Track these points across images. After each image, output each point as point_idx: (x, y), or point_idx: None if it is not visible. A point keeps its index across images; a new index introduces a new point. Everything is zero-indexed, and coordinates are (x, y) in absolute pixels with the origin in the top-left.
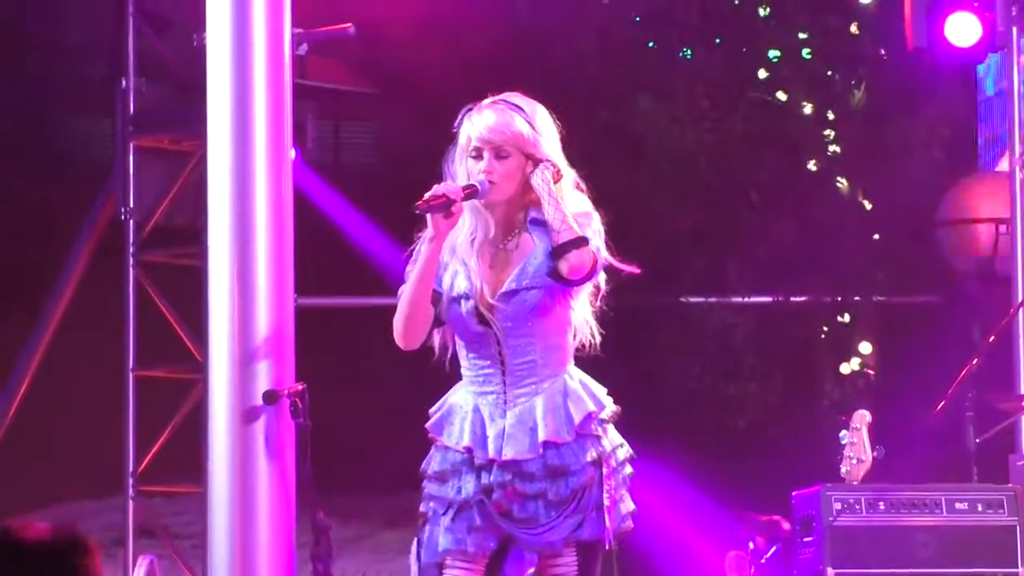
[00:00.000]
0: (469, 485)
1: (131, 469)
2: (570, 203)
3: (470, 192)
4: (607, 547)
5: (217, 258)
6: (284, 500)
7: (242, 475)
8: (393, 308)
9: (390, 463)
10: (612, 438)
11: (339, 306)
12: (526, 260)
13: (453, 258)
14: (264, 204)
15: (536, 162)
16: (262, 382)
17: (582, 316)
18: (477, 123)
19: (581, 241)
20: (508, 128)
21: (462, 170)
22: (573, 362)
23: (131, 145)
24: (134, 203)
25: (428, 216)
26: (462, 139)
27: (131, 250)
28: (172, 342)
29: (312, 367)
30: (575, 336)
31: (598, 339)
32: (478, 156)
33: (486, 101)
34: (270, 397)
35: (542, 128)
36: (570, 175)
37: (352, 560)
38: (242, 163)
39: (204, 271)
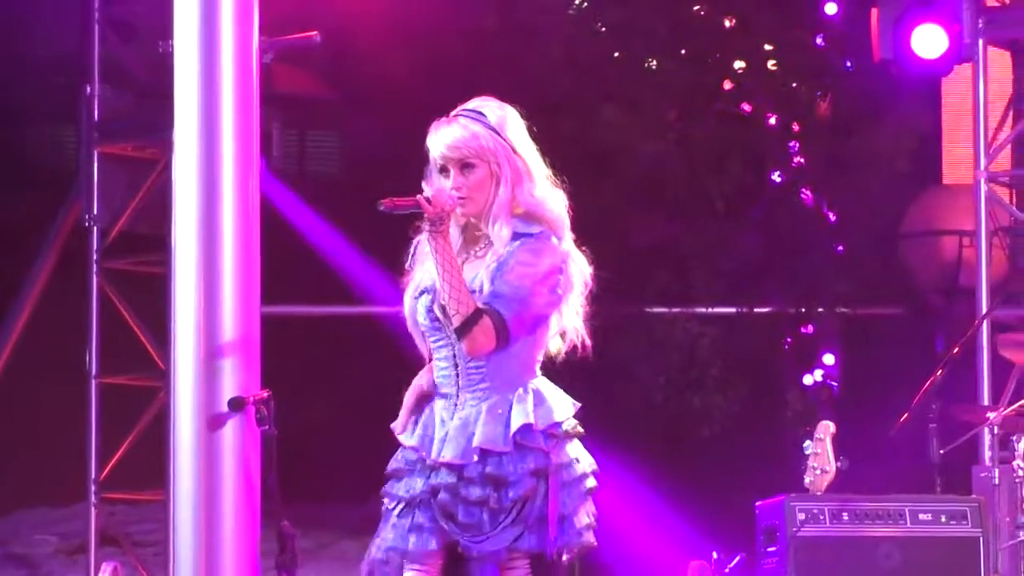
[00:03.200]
0: (418, 484)
1: (94, 476)
2: (548, 201)
3: (437, 216)
4: (552, 560)
5: (183, 265)
6: (249, 508)
7: (207, 482)
8: (358, 317)
9: (353, 472)
10: (567, 452)
11: (304, 315)
12: (486, 268)
13: (429, 258)
14: (231, 212)
15: (506, 167)
16: (227, 389)
17: (571, 323)
18: (437, 141)
19: (474, 319)
20: (466, 141)
21: (434, 186)
22: (537, 373)
23: (95, 152)
24: (98, 210)
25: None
26: (430, 157)
27: (95, 257)
28: (135, 349)
29: (276, 375)
30: (562, 340)
31: (588, 342)
32: (445, 173)
33: (452, 113)
34: (235, 404)
35: (508, 132)
36: (542, 172)
37: (314, 569)
38: (209, 170)
39: (168, 278)
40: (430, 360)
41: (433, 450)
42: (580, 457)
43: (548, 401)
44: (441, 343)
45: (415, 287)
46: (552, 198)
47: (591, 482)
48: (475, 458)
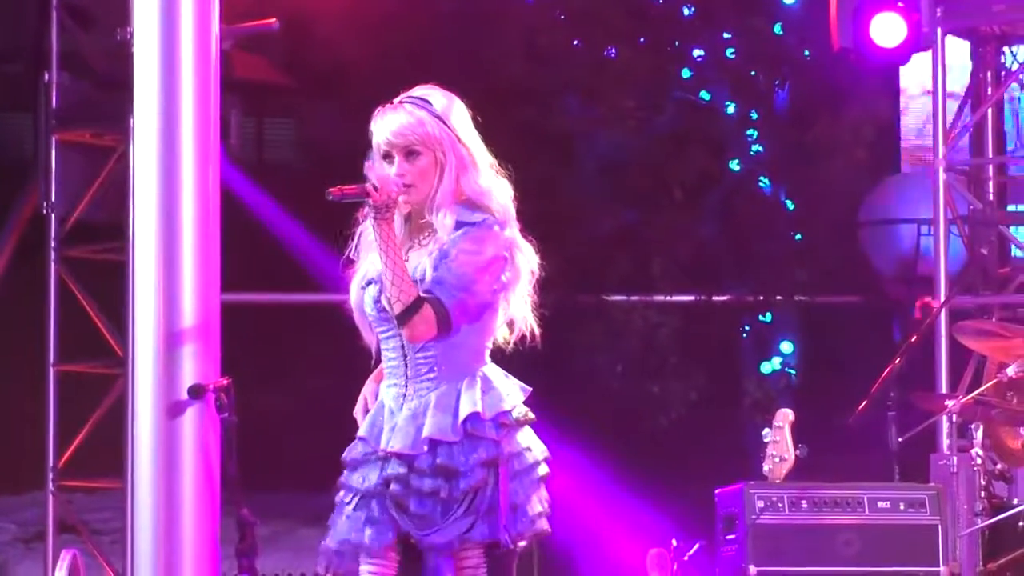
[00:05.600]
0: (373, 476)
1: (52, 464)
2: (494, 190)
3: (384, 202)
4: (505, 549)
5: (143, 252)
6: (209, 495)
7: (166, 470)
8: (317, 304)
9: (311, 460)
10: (519, 440)
11: (262, 302)
12: (430, 260)
13: (374, 247)
14: (191, 199)
15: (451, 155)
16: (187, 376)
17: (519, 312)
18: (382, 127)
19: (415, 307)
20: (412, 128)
21: (377, 173)
22: (487, 361)
23: (53, 139)
24: (56, 198)
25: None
26: (374, 143)
27: (53, 245)
28: (93, 337)
29: (235, 362)
30: (511, 330)
31: (538, 331)
32: (389, 159)
33: (397, 100)
34: (195, 391)
35: (453, 120)
36: (486, 161)
37: (272, 557)
38: (169, 158)
39: (126, 266)
40: (376, 351)
41: (383, 440)
42: (532, 445)
43: (497, 389)
44: (389, 334)
45: (362, 277)
46: (497, 187)
47: (543, 469)
48: (425, 448)
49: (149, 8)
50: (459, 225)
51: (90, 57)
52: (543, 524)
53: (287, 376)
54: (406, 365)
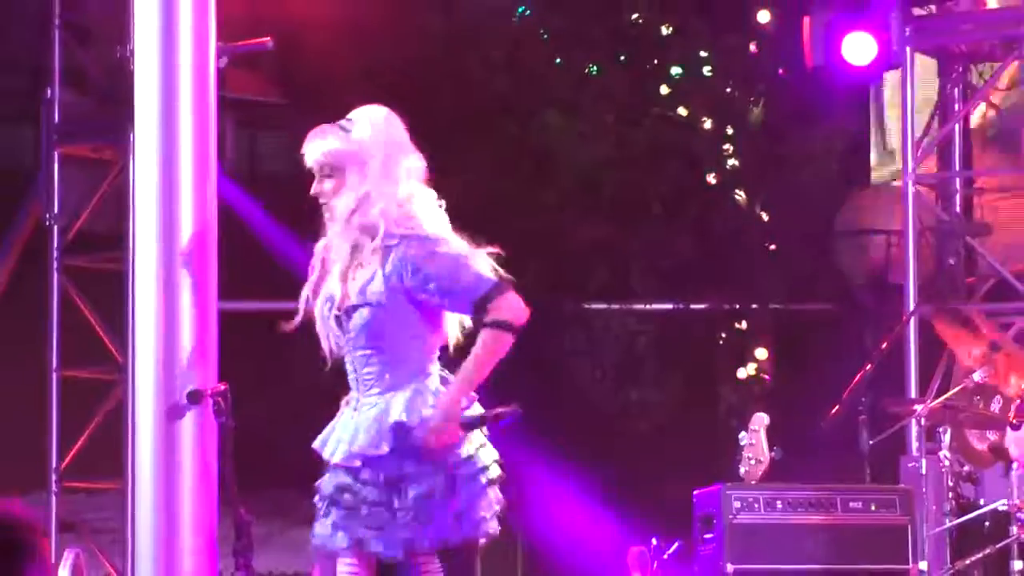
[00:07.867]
0: (329, 483)
1: (54, 466)
2: (415, 203)
3: None
4: (454, 553)
5: (143, 262)
6: (207, 496)
7: (166, 472)
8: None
9: (304, 461)
10: (464, 447)
11: (257, 310)
12: (369, 278)
13: (335, 265)
14: (189, 211)
15: (362, 175)
16: (186, 382)
17: (451, 327)
18: (305, 149)
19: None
20: (319, 150)
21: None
22: (429, 372)
23: (55, 154)
24: (58, 210)
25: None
26: None
27: (55, 255)
28: (94, 344)
29: (232, 368)
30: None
31: (460, 340)
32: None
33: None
34: (194, 397)
35: (373, 138)
36: (411, 175)
37: (266, 557)
38: (168, 171)
39: (126, 275)
40: (333, 357)
41: (326, 451)
42: (480, 449)
43: (438, 399)
44: (344, 349)
45: (322, 294)
46: (419, 200)
47: (493, 472)
48: (357, 463)
49: (149, 26)
50: (387, 248)
51: (91, 74)
52: (492, 526)
53: (282, 379)
54: (357, 380)
